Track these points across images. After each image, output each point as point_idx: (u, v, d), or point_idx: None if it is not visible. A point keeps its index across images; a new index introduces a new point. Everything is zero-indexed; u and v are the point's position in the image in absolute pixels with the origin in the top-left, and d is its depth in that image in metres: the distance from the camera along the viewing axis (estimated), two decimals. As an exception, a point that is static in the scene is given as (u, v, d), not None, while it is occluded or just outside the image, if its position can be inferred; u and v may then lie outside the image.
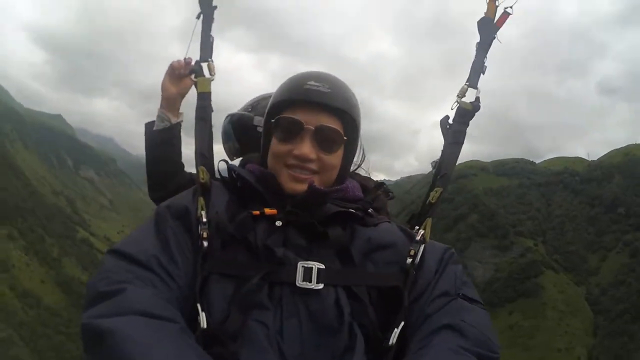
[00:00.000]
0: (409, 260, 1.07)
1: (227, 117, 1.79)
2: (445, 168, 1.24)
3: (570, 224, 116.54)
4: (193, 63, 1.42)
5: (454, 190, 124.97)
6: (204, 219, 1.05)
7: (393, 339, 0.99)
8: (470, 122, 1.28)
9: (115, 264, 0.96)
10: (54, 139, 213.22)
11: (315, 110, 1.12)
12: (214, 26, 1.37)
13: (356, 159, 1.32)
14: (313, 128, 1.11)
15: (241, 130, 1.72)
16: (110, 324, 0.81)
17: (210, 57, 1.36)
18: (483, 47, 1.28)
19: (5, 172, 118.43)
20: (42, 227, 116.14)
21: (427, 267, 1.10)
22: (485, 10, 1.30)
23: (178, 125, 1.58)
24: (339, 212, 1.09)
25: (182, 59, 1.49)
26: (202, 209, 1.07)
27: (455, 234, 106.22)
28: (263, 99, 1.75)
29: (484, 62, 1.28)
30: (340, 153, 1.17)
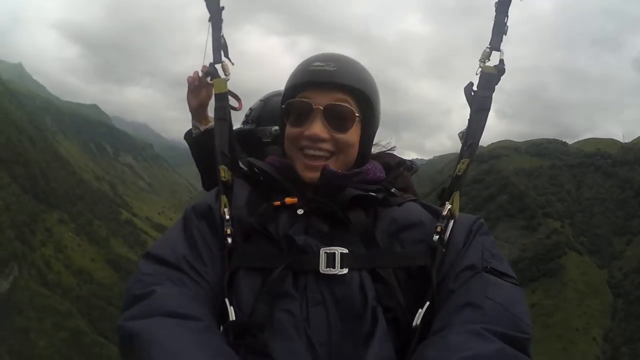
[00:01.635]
0: (436, 237, 1.04)
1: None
2: (472, 137, 1.15)
3: (599, 207, 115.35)
4: (208, 66, 1.40)
5: (484, 170, 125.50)
6: (227, 217, 1.08)
7: (417, 320, 0.97)
8: (497, 91, 1.19)
9: (148, 266, 1.01)
10: (92, 128, 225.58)
11: (323, 89, 1.10)
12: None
13: (386, 142, 1.31)
14: (322, 107, 1.09)
15: (248, 146, 1.82)
16: (138, 326, 0.86)
17: (227, 57, 1.33)
18: (502, 6, 1.18)
19: (53, 163, 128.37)
20: (90, 211, 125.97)
21: (455, 242, 1.05)
22: None
23: (207, 130, 1.71)
24: (360, 195, 1.07)
25: (197, 70, 1.54)
26: (225, 207, 1.10)
27: (485, 213, 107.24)
28: (275, 95, 1.85)
29: (505, 22, 1.19)
30: (356, 131, 1.14)
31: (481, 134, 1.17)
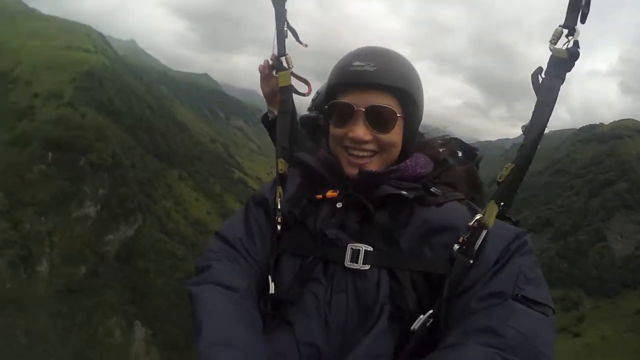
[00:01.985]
0: (457, 246, 1.02)
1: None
2: (529, 135, 1.07)
3: None
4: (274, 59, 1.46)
5: (604, 151, 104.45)
6: (279, 207, 1.21)
7: (415, 326, 0.99)
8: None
9: (214, 244, 1.22)
10: (204, 95, 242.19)
11: (364, 90, 1.11)
12: None
13: (437, 130, 1.35)
14: (364, 109, 1.11)
15: (311, 132, 1.91)
16: (196, 290, 1.07)
17: (298, 41, 1.42)
18: None
19: (172, 127, 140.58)
20: (206, 170, 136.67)
21: (485, 256, 1.00)
22: None
23: None
24: (392, 194, 1.10)
25: (267, 59, 1.55)
26: (280, 197, 1.23)
27: (601, 200, 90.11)
28: None
29: None
30: (398, 130, 1.15)
31: (541, 133, 1.06)
